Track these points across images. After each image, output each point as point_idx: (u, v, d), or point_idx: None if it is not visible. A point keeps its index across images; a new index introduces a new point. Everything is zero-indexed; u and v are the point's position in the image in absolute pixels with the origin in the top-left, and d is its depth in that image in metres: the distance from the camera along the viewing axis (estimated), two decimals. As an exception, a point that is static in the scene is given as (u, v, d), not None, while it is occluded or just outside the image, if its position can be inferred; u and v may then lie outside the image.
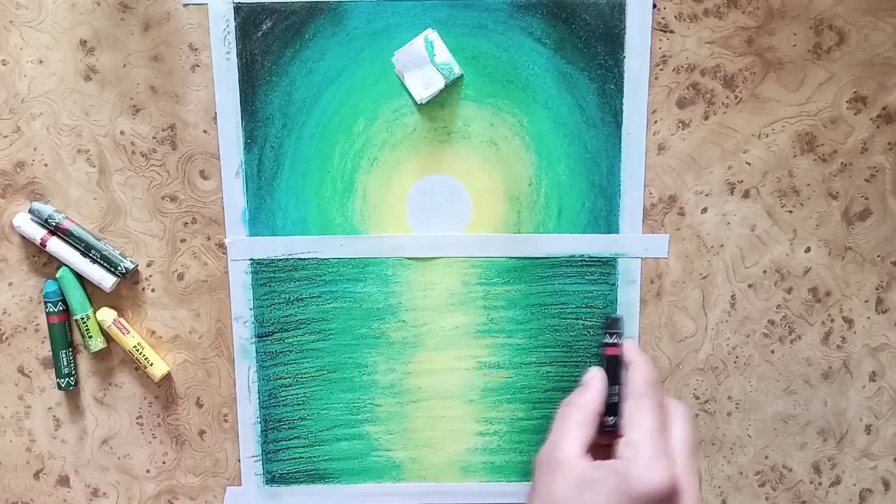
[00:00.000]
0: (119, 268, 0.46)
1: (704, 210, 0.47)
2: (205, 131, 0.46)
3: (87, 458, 0.49)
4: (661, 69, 0.45)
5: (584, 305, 0.48)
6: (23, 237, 0.46)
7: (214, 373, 0.48)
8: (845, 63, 0.45)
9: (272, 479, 0.49)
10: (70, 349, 0.47)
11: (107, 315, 0.47)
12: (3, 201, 0.46)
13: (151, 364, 0.47)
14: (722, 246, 0.47)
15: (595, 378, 0.44)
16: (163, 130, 0.46)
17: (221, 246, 0.47)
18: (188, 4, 0.44)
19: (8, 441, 0.49)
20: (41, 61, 0.45)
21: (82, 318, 0.47)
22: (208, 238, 0.47)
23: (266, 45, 0.45)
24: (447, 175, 0.46)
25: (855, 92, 0.45)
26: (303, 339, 0.48)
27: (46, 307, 0.47)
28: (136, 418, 0.49)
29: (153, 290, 0.47)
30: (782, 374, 0.49)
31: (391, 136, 0.46)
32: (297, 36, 0.45)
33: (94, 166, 0.46)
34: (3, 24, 0.44)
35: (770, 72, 0.45)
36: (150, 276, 0.47)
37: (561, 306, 0.48)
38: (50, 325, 0.47)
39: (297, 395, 0.49)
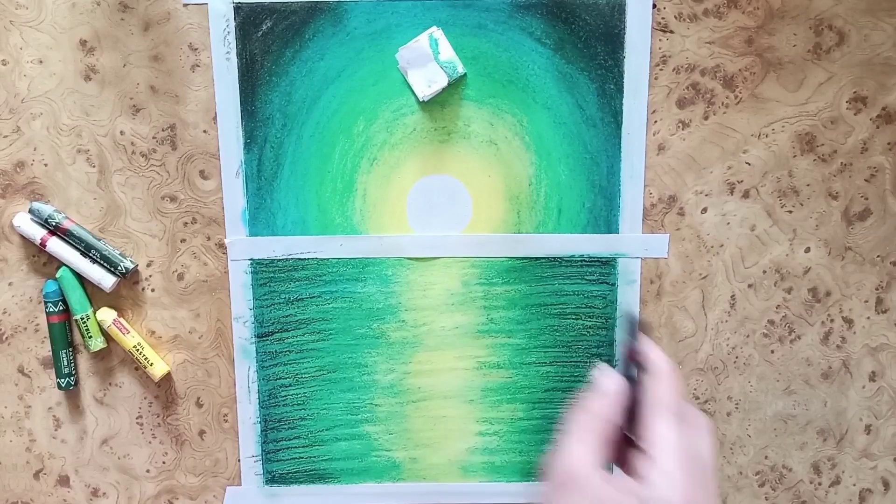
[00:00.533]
0: (119, 268, 0.46)
1: (704, 210, 0.47)
2: (205, 131, 0.46)
3: (87, 457, 0.49)
4: (661, 69, 0.45)
5: (584, 305, 0.48)
6: (23, 237, 0.46)
7: (214, 373, 0.48)
8: (845, 63, 0.45)
9: (272, 479, 0.49)
10: (70, 349, 0.47)
11: (107, 315, 0.47)
12: (3, 201, 0.46)
13: (151, 364, 0.47)
14: (722, 246, 0.47)
15: (611, 382, 0.39)
16: (163, 130, 0.46)
17: (221, 246, 0.47)
18: (188, 4, 0.44)
19: (8, 441, 0.49)
20: (41, 61, 0.45)
21: (82, 318, 0.47)
22: (208, 238, 0.47)
23: (266, 44, 0.45)
24: (447, 175, 0.46)
25: (855, 92, 0.45)
26: (303, 339, 0.48)
27: (46, 307, 0.47)
28: (136, 418, 0.49)
29: (153, 290, 0.47)
30: (782, 374, 0.49)
31: (391, 136, 0.46)
32: (297, 36, 0.45)
33: (94, 166, 0.46)
34: (3, 24, 0.44)
35: (770, 72, 0.45)
36: (150, 276, 0.47)
37: (561, 306, 0.48)
38: (50, 325, 0.47)
39: (297, 395, 0.49)
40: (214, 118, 0.46)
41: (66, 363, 0.47)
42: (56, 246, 0.46)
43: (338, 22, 0.45)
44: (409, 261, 0.47)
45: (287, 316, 0.48)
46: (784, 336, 0.48)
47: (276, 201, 0.46)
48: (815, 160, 0.46)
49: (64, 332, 0.47)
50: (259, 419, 0.49)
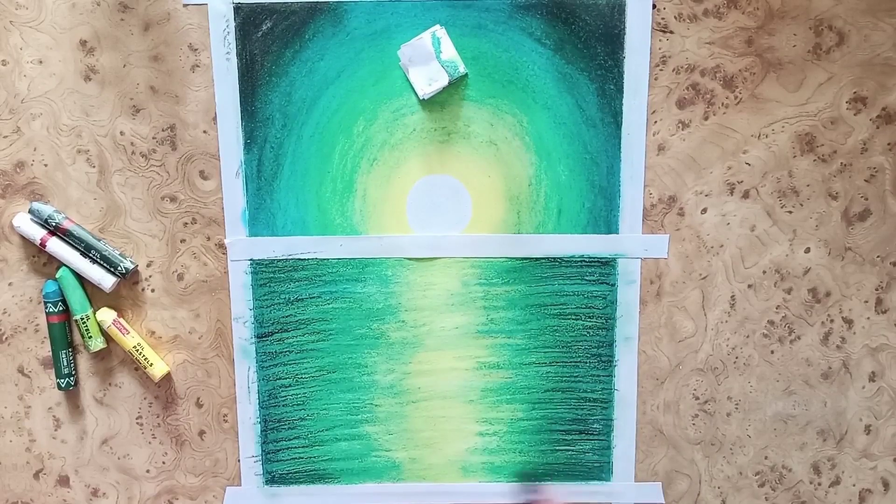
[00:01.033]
0: (119, 268, 0.46)
1: (704, 210, 0.47)
2: (205, 131, 0.46)
3: (87, 458, 0.49)
4: (661, 69, 0.45)
5: (583, 306, 0.48)
6: (23, 237, 0.46)
7: (214, 373, 0.48)
8: (845, 63, 0.45)
9: (272, 479, 0.49)
10: (70, 349, 0.47)
11: (107, 315, 0.47)
12: (3, 201, 0.46)
13: (151, 364, 0.47)
14: (722, 246, 0.47)
15: None
16: (163, 131, 0.46)
17: (221, 246, 0.47)
18: (188, 5, 0.44)
19: (8, 441, 0.49)
20: (41, 61, 0.45)
21: (82, 319, 0.47)
22: (208, 238, 0.47)
23: (266, 45, 0.45)
24: (447, 175, 0.46)
25: (855, 92, 0.45)
26: (303, 340, 0.48)
27: (46, 307, 0.47)
28: (136, 418, 0.49)
29: (153, 291, 0.47)
30: (782, 374, 0.49)
31: (391, 137, 0.46)
32: (297, 36, 0.45)
33: (94, 166, 0.46)
34: (3, 25, 0.44)
35: (770, 72, 0.45)
36: (150, 276, 0.47)
37: (561, 306, 0.48)
38: (50, 326, 0.47)
39: (297, 395, 0.49)
40: (214, 118, 0.46)
41: (65, 363, 0.47)
42: (56, 246, 0.46)
43: (338, 22, 0.45)
44: (408, 261, 0.47)
45: (287, 316, 0.48)
46: (784, 336, 0.48)
47: (275, 202, 0.46)
48: (814, 160, 0.46)
49: (64, 333, 0.47)
50: (259, 419, 0.49)
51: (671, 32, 0.45)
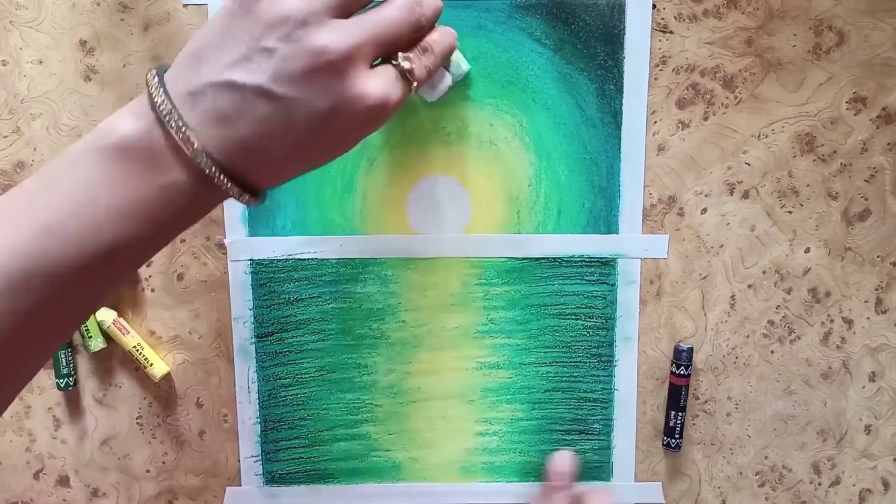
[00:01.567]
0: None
1: (704, 210, 0.47)
2: (205, 131, 0.46)
3: (87, 458, 0.49)
4: (661, 69, 0.45)
5: (583, 306, 0.48)
6: (23, 237, 0.46)
7: (214, 373, 0.48)
8: (845, 63, 0.45)
9: (272, 479, 0.49)
10: (69, 349, 0.47)
11: (106, 315, 0.47)
12: (3, 201, 0.46)
13: (151, 364, 0.47)
14: (721, 246, 0.47)
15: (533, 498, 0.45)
16: (163, 131, 0.46)
17: (221, 246, 0.47)
18: (188, 5, 0.44)
19: (8, 441, 0.49)
20: (41, 61, 0.45)
21: (82, 319, 0.46)
22: (208, 238, 0.47)
23: (266, 45, 0.45)
24: (447, 175, 0.46)
25: (854, 92, 0.45)
26: (302, 340, 0.48)
27: (46, 307, 0.47)
28: (136, 418, 0.49)
29: (153, 291, 0.47)
30: (782, 374, 0.49)
31: (391, 137, 0.46)
32: (297, 36, 0.45)
33: (94, 166, 0.46)
34: (2, 25, 0.44)
35: (770, 72, 0.45)
36: (150, 276, 0.47)
37: (561, 307, 0.48)
38: (50, 326, 0.47)
39: (297, 395, 0.49)
40: (214, 118, 0.45)
41: (64, 363, 0.47)
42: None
43: (338, 22, 0.45)
44: (409, 261, 0.47)
45: (287, 316, 0.48)
46: (784, 336, 0.48)
47: (275, 201, 0.46)
48: (814, 160, 0.46)
49: (64, 333, 0.47)
50: (259, 419, 0.49)
51: (671, 32, 0.45)
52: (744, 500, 0.50)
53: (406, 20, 0.34)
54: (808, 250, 0.47)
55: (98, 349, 0.47)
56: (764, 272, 0.47)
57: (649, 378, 0.48)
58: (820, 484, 0.50)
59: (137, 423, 0.49)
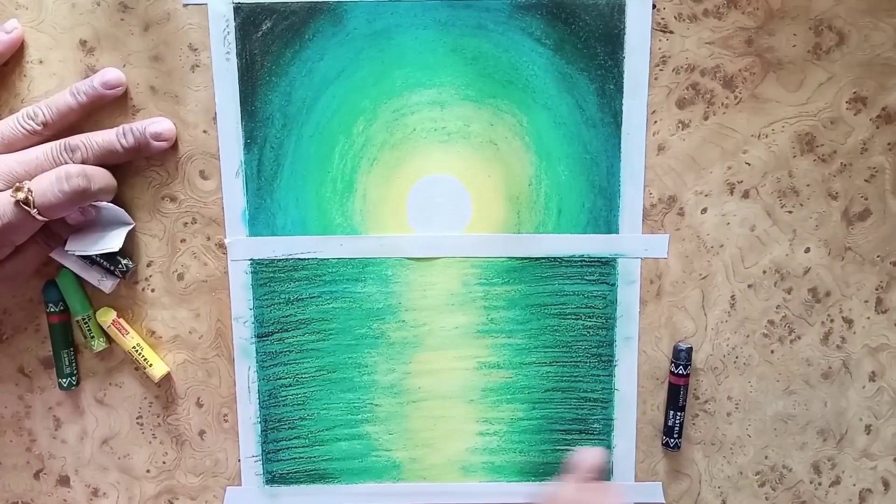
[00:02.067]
0: (118, 269, 0.46)
1: (704, 210, 0.47)
2: (204, 131, 0.46)
3: (88, 458, 0.49)
4: (661, 69, 0.45)
5: (584, 305, 0.48)
6: (23, 237, 0.46)
7: (214, 373, 0.48)
8: (845, 63, 0.45)
9: (272, 479, 0.50)
10: (71, 349, 0.47)
11: (106, 316, 0.47)
12: (4, 201, 0.46)
13: (151, 365, 0.47)
14: (722, 246, 0.47)
15: (558, 489, 0.46)
16: (163, 130, 0.46)
17: (221, 246, 0.47)
18: (188, 5, 0.44)
19: (8, 441, 0.49)
20: (41, 61, 0.45)
21: (83, 319, 0.47)
22: (208, 238, 0.47)
23: (266, 45, 0.45)
24: (447, 175, 0.46)
25: (855, 92, 0.45)
26: (303, 339, 0.48)
27: (47, 307, 0.47)
28: (137, 418, 0.49)
29: (153, 291, 0.47)
30: (782, 374, 0.49)
31: (391, 136, 0.46)
32: (297, 36, 0.45)
33: (95, 166, 0.46)
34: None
35: (770, 72, 0.45)
36: (150, 276, 0.47)
37: (561, 306, 0.48)
38: (50, 325, 0.47)
39: (297, 395, 0.49)
40: (214, 118, 0.46)
41: (67, 363, 0.47)
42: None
43: (338, 22, 0.45)
44: (409, 261, 0.47)
45: (287, 316, 0.48)
46: (784, 336, 0.48)
47: (276, 201, 0.46)
48: (814, 160, 0.46)
49: (65, 332, 0.47)
50: (259, 419, 0.49)
51: (671, 32, 0.45)
52: (744, 499, 0.50)
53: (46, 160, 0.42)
54: (808, 250, 0.47)
55: (101, 349, 0.47)
56: (764, 272, 0.47)
57: (649, 378, 0.48)
58: (820, 484, 0.50)
59: (138, 422, 0.49)
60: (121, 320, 0.47)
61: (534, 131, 0.46)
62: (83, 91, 0.43)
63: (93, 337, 0.47)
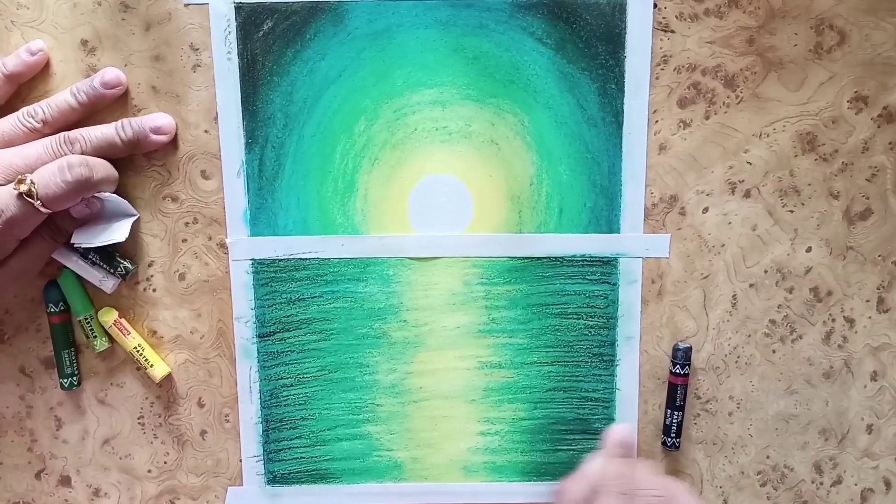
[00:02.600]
0: (118, 269, 0.46)
1: (706, 210, 0.47)
2: (206, 131, 0.46)
3: (89, 458, 0.49)
4: (662, 69, 0.45)
5: (585, 305, 0.48)
6: (24, 237, 0.46)
7: (216, 373, 0.48)
8: (846, 63, 0.45)
9: (274, 479, 0.49)
10: (72, 349, 0.47)
11: (108, 316, 0.47)
12: (5, 201, 0.46)
13: (152, 365, 0.47)
14: (723, 245, 0.47)
15: (587, 464, 0.45)
16: (164, 130, 0.46)
17: (223, 246, 0.47)
18: (189, 4, 0.44)
19: (9, 441, 0.49)
20: (42, 61, 0.45)
21: (86, 318, 0.47)
22: (209, 238, 0.47)
23: (267, 44, 0.45)
24: (448, 175, 0.46)
25: (856, 92, 0.45)
26: (304, 339, 0.48)
27: (48, 307, 0.47)
28: (138, 418, 0.49)
29: (154, 291, 0.47)
30: (783, 373, 0.49)
31: (392, 136, 0.46)
32: (298, 36, 0.45)
33: (96, 166, 0.46)
34: (4, 24, 0.44)
35: (771, 71, 0.45)
36: (152, 276, 0.47)
37: (562, 306, 0.48)
38: (51, 326, 0.47)
39: (299, 395, 0.49)
40: (216, 118, 0.46)
41: (68, 363, 0.47)
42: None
43: (339, 22, 0.45)
44: (410, 261, 0.47)
45: (288, 316, 0.48)
46: (785, 336, 0.48)
47: (277, 201, 0.46)
48: (816, 160, 0.46)
49: (65, 333, 0.47)
50: (261, 419, 0.49)
51: (672, 32, 0.45)
52: (745, 499, 0.50)
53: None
54: (809, 249, 0.47)
55: (103, 349, 0.47)
56: (765, 271, 0.47)
57: (651, 377, 0.48)
58: (822, 483, 0.50)
59: (139, 422, 0.49)
60: (122, 320, 0.47)
61: (535, 131, 0.46)
62: (83, 90, 0.43)
63: (95, 337, 0.47)
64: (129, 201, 0.46)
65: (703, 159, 0.46)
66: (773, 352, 0.48)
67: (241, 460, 0.49)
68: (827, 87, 0.45)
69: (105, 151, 0.43)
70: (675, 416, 0.48)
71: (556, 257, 0.47)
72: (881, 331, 0.48)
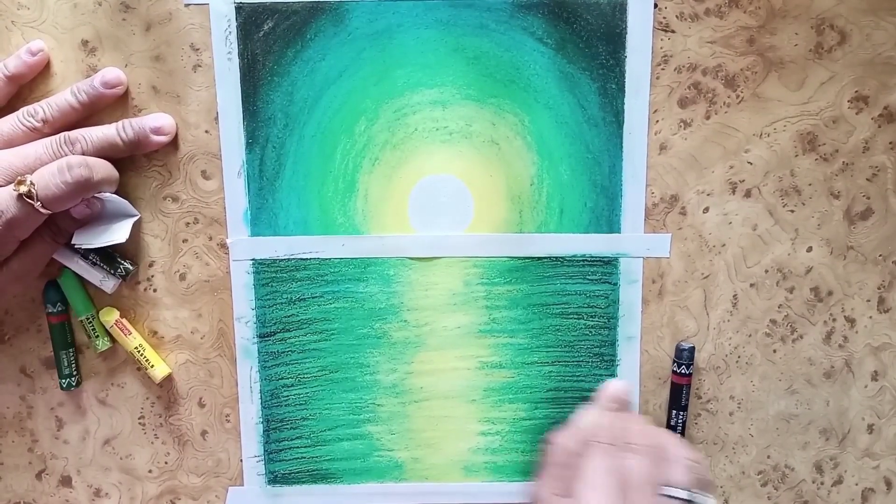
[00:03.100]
0: (118, 270, 0.46)
1: (706, 210, 0.47)
2: (206, 131, 0.46)
3: (90, 458, 0.49)
4: (663, 69, 0.45)
5: (586, 305, 0.48)
6: (25, 237, 0.46)
7: (216, 373, 0.48)
8: (847, 62, 0.45)
9: (274, 479, 0.49)
10: (71, 349, 0.47)
11: (109, 315, 0.47)
12: (5, 202, 0.46)
13: (153, 366, 0.47)
14: (724, 245, 0.47)
15: (579, 417, 0.46)
16: (164, 131, 0.46)
17: (223, 246, 0.47)
18: (189, 5, 0.44)
19: (10, 441, 0.49)
20: (43, 62, 0.45)
21: (87, 318, 0.47)
22: (210, 238, 0.47)
23: (267, 45, 0.45)
24: (449, 175, 0.46)
25: (856, 91, 0.45)
26: (305, 339, 0.48)
27: (47, 308, 0.47)
28: (139, 418, 0.49)
29: (155, 291, 0.47)
30: (784, 373, 0.49)
31: (393, 136, 0.46)
32: (299, 36, 0.45)
33: (96, 166, 0.46)
34: (4, 25, 0.44)
35: (771, 71, 0.45)
36: (152, 276, 0.47)
37: (563, 306, 0.48)
38: (50, 326, 0.47)
39: (299, 395, 0.49)
40: (216, 118, 0.46)
41: (66, 364, 0.47)
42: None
43: (339, 22, 0.45)
44: (410, 261, 0.47)
45: (289, 316, 0.48)
46: (786, 335, 0.48)
47: (277, 201, 0.46)
48: (816, 159, 0.46)
49: (64, 333, 0.47)
50: (261, 419, 0.49)
51: (673, 32, 0.45)
52: (746, 499, 0.50)
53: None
54: (810, 249, 0.47)
55: (105, 349, 0.47)
56: (766, 271, 0.47)
57: (651, 378, 0.48)
58: (822, 483, 0.50)
59: (140, 422, 0.49)
60: (123, 320, 0.47)
61: (535, 131, 0.46)
62: (84, 90, 0.43)
63: (97, 336, 0.47)
64: (129, 201, 0.46)
65: (704, 159, 0.46)
66: (774, 352, 0.48)
67: (241, 460, 0.49)
68: (827, 86, 0.45)
69: (106, 152, 0.43)
70: (680, 417, 0.48)
71: (556, 257, 0.47)
72: (882, 330, 0.48)
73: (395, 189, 0.47)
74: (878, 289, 0.48)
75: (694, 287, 0.48)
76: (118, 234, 0.44)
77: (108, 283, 0.46)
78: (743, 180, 0.46)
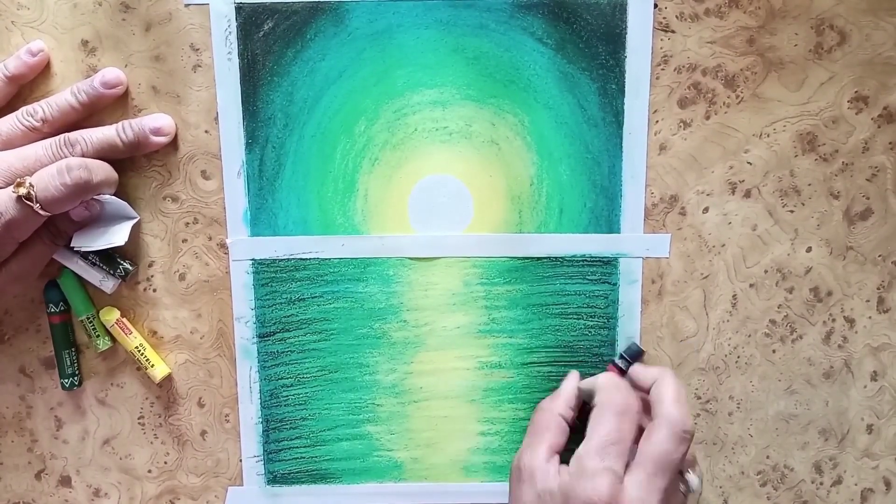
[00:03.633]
0: (118, 270, 0.46)
1: (706, 210, 0.47)
2: (206, 131, 0.46)
3: (89, 458, 0.49)
4: (663, 69, 0.45)
5: (585, 305, 0.48)
6: (24, 237, 0.46)
7: (216, 373, 0.48)
8: (846, 63, 0.45)
9: (274, 479, 0.49)
10: (73, 349, 0.47)
11: (110, 315, 0.47)
12: (5, 201, 0.46)
13: (152, 365, 0.47)
14: (723, 246, 0.47)
15: (567, 381, 0.46)
16: (164, 131, 0.46)
17: (223, 246, 0.47)
18: (189, 5, 0.44)
19: (10, 441, 0.49)
20: (43, 62, 0.45)
21: (88, 318, 0.47)
22: (210, 238, 0.47)
23: (267, 45, 0.45)
24: (449, 175, 0.46)
25: (856, 92, 0.45)
26: (304, 339, 0.48)
27: (48, 307, 0.47)
28: (138, 418, 0.49)
29: (155, 291, 0.47)
30: (783, 373, 0.49)
31: (392, 136, 0.46)
32: (299, 36, 0.45)
33: (96, 166, 0.46)
34: (4, 25, 0.44)
35: (771, 71, 0.45)
36: (152, 276, 0.47)
37: (562, 306, 0.48)
38: (52, 326, 0.47)
39: (299, 395, 0.49)
40: (216, 118, 0.46)
41: (68, 363, 0.47)
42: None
43: (339, 22, 0.45)
44: (410, 261, 0.47)
45: (288, 316, 0.48)
46: (786, 336, 0.48)
47: (277, 201, 0.46)
48: (816, 160, 0.46)
49: (66, 333, 0.47)
50: (261, 419, 0.49)
51: (672, 32, 0.45)
52: (745, 499, 0.50)
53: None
54: (809, 249, 0.47)
55: (106, 348, 0.47)
56: (765, 271, 0.47)
57: (651, 377, 0.48)
58: (822, 483, 0.50)
59: (139, 422, 0.49)
60: (124, 320, 0.47)
61: (535, 131, 0.46)
62: (83, 90, 0.43)
63: (98, 336, 0.47)
64: (129, 201, 0.46)
65: (704, 159, 0.46)
66: (774, 352, 0.48)
67: (241, 460, 0.49)
68: (827, 87, 0.45)
69: (106, 153, 0.43)
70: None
71: (556, 257, 0.47)
72: (881, 331, 0.48)
73: (394, 189, 0.47)
74: (878, 289, 0.48)
75: (693, 287, 0.48)
76: (117, 236, 0.44)
77: (108, 284, 0.46)
78: (742, 180, 0.46)
